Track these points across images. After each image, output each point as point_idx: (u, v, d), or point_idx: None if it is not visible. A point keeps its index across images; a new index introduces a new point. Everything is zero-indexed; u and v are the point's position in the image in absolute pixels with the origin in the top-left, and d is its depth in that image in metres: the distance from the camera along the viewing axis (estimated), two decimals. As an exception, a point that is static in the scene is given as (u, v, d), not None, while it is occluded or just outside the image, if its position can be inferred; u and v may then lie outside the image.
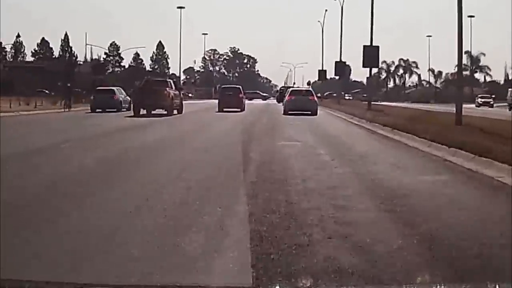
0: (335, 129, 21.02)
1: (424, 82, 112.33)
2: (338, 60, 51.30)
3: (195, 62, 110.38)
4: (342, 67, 53.46)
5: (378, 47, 33.05)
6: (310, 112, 29.87)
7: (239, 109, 34.13)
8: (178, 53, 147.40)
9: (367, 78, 40.93)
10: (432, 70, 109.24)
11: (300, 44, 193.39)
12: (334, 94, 73.85)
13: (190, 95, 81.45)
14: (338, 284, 3.83)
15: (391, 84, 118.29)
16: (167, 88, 28.89)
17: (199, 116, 30.06)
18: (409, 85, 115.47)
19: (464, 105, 18.10)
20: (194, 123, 24.21)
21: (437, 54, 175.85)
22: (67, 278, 3.74)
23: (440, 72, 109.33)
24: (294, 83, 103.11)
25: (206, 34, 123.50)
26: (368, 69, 34.50)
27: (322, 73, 73.53)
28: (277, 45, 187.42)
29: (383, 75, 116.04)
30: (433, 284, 3.89)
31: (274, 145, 13.46)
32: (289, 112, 29.85)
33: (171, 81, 31.75)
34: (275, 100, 61.96)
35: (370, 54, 32.39)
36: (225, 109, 33.54)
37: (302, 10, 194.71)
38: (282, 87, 69.98)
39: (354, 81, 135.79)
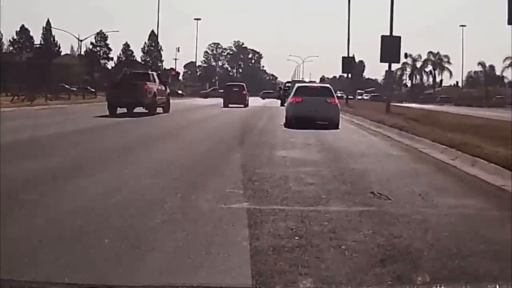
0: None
1: (468, 79, 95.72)
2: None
3: (178, 50, 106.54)
4: (394, 44, 28.75)
5: None
6: (327, 123, 19.51)
7: (242, 105, 37.64)
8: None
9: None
10: (482, 64, 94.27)
11: (309, 37, 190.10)
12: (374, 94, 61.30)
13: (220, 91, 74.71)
14: (338, 284, 3.92)
15: (409, 82, 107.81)
16: (148, 82, 25.29)
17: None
18: (428, 84, 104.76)
19: None
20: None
21: (471, 47, 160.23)
22: (67, 278, 3.80)
23: (492, 67, 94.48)
24: (302, 79, 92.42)
25: (199, 19, 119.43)
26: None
27: (347, 61, 47.35)
28: (284, 37, 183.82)
29: (408, 71, 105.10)
30: (433, 284, 3.91)
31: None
32: (295, 122, 19.13)
33: (154, 73, 28.06)
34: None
35: None
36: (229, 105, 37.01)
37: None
38: (288, 82, 49.39)
39: (368, 78, 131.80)
